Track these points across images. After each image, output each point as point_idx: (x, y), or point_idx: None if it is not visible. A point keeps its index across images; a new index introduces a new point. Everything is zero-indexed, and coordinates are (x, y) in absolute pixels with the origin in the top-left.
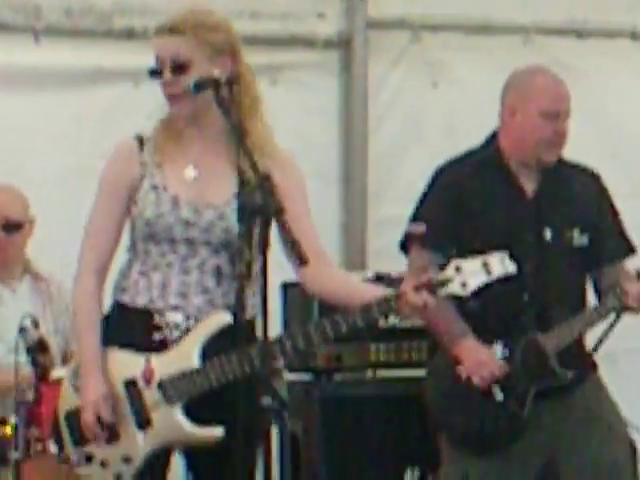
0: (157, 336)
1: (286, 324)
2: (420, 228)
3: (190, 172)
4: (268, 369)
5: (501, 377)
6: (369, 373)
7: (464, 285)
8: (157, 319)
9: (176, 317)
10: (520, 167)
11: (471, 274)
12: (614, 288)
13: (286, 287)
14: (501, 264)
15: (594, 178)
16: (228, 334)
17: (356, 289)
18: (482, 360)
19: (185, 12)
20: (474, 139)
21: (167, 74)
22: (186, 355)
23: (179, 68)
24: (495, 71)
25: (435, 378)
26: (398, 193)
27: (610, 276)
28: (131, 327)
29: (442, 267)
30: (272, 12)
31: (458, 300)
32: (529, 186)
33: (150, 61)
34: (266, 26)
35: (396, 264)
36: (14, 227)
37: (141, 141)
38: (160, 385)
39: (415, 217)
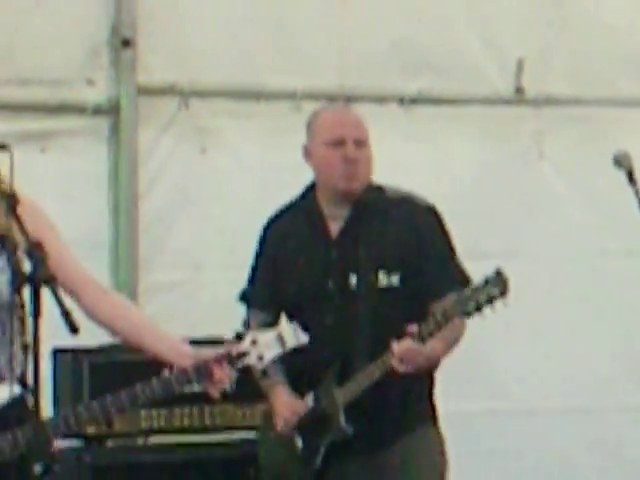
0: None
1: (57, 390)
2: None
3: None
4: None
5: (301, 425)
6: (141, 439)
7: (260, 358)
8: None
9: None
10: (332, 208)
11: (266, 347)
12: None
13: (57, 353)
14: (294, 336)
15: (421, 210)
16: (16, 405)
17: (158, 339)
18: (282, 406)
19: None
20: (244, 204)
21: None
22: None
23: None
24: (265, 137)
25: (263, 435)
26: (168, 259)
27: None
28: None
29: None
30: (41, 79)
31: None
32: (336, 226)
33: None
34: (35, 93)
35: (165, 329)
36: None
37: None
38: None
39: (249, 275)
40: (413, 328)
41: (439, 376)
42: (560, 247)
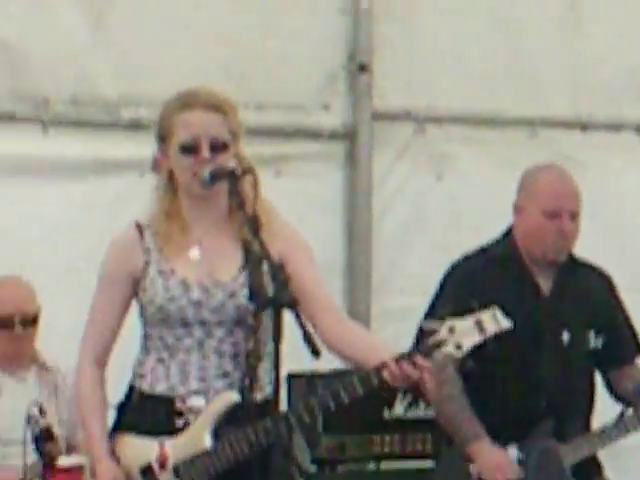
0: (179, 422)
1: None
2: (434, 326)
3: (194, 253)
4: (278, 443)
5: None
6: (372, 465)
7: (459, 347)
8: (179, 405)
9: (198, 402)
10: (537, 266)
11: (465, 334)
12: None
13: (292, 378)
14: (494, 321)
15: (605, 278)
16: (239, 412)
17: (368, 348)
18: (498, 463)
19: (211, 92)
20: (478, 232)
21: (205, 152)
22: (198, 437)
23: (219, 147)
24: (499, 164)
25: (446, 473)
26: (402, 284)
27: (628, 377)
28: (152, 414)
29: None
30: (278, 103)
31: (457, 361)
32: (545, 283)
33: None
34: (272, 117)
35: None
36: (31, 321)
37: (140, 228)
38: (175, 469)
39: (430, 313)
40: None
41: None
42: None
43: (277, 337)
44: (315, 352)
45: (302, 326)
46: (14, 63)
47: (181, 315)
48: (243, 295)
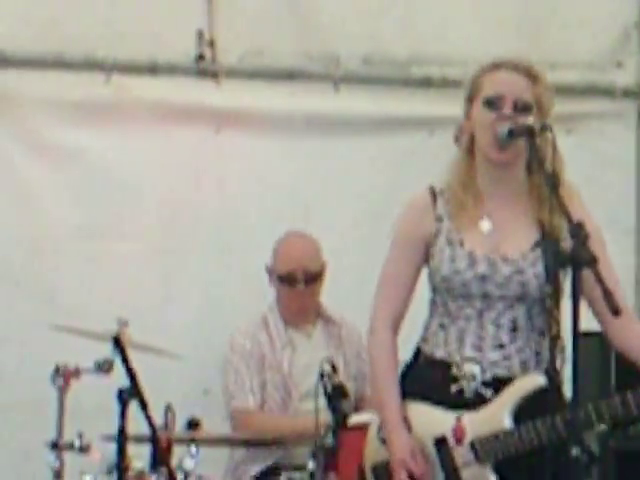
0: (454, 387)
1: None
2: None
3: (485, 225)
4: (579, 434)
5: None
6: None
7: None
8: (455, 370)
9: (473, 369)
10: None
11: None
12: None
13: (584, 336)
14: None
15: None
16: (539, 396)
17: None
18: None
19: (520, 59)
20: None
21: (508, 108)
22: (498, 416)
23: (522, 108)
24: None
25: None
26: None
27: None
28: (430, 378)
29: None
30: (571, 61)
31: None
32: None
33: (446, 110)
34: (564, 75)
35: None
36: (313, 278)
37: (434, 194)
38: (472, 445)
39: None
40: None
41: None
42: None
43: (576, 296)
44: (615, 311)
45: (602, 283)
46: (306, 22)
47: (465, 288)
48: (532, 273)
